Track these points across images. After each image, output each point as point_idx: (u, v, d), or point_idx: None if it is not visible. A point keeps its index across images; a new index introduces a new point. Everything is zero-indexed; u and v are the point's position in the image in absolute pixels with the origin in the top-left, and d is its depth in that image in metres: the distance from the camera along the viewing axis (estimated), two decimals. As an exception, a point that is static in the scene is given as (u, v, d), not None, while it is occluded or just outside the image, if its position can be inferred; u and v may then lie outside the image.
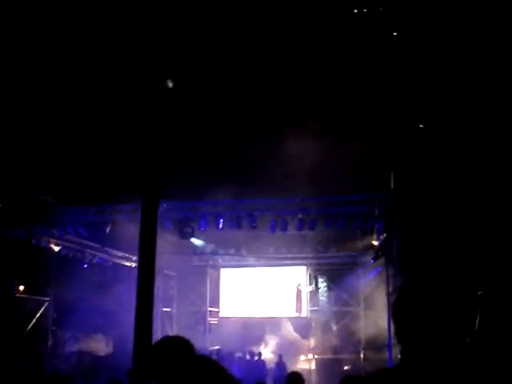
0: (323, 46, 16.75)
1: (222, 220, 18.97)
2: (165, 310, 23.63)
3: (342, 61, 17.35)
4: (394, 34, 15.87)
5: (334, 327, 24.32)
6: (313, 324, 24.49)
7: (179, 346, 3.62)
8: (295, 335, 24.36)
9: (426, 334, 2.27)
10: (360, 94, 18.18)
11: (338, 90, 18.22)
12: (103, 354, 21.42)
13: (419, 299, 2.33)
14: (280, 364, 21.16)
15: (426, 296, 2.33)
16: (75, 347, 20.77)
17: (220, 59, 16.46)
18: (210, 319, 25.30)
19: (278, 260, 24.02)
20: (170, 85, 9.35)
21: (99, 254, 20.86)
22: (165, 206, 17.50)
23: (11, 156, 15.99)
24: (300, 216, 18.75)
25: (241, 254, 23.97)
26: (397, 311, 2.41)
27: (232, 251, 24.14)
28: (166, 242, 20.66)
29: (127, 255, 21.55)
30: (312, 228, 19.31)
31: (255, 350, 22.76)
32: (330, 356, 23.49)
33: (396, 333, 2.40)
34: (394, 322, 2.40)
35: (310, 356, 23.82)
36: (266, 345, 23.84)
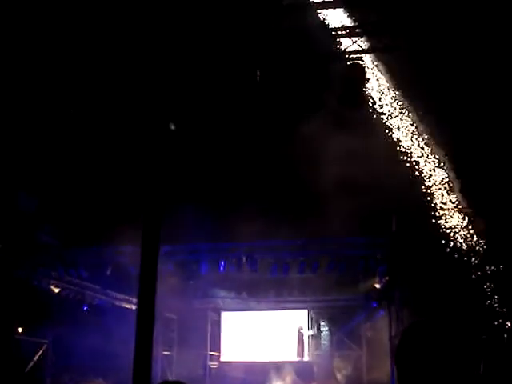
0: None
1: (222, 263, 18.92)
2: (165, 353, 23.37)
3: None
4: None
5: (337, 371, 24.00)
6: (315, 368, 24.17)
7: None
8: (297, 380, 24.02)
9: (428, 380, 2.24)
10: (362, 139, 18.31)
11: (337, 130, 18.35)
12: (102, 398, 21.12)
13: (422, 345, 2.31)
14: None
15: (428, 342, 2.31)
16: (74, 391, 20.49)
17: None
18: (210, 363, 24.99)
19: (280, 303, 23.84)
20: (173, 127, 9.43)
21: (99, 296, 20.73)
22: (166, 248, 17.47)
23: (12, 196, 16.03)
24: (301, 259, 18.68)
25: (242, 297, 23.81)
26: (399, 357, 2.38)
27: (233, 294, 23.99)
28: (166, 284, 20.58)
29: (128, 297, 21.41)
30: (314, 271, 19.22)
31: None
32: (332, 401, 23.15)
33: (398, 379, 2.37)
34: (397, 368, 2.38)
35: (313, 401, 23.47)
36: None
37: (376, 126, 18.15)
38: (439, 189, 19.36)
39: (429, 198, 19.37)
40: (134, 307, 20.79)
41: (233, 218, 19.26)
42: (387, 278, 19.00)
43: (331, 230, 18.46)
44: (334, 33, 10.23)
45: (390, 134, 18.49)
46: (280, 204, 18.86)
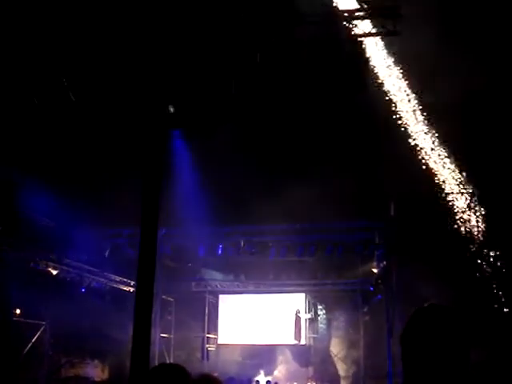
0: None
1: (221, 246, 18.92)
2: (162, 335, 23.45)
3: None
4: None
5: (334, 355, 24.13)
6: (312, 352, 24.28)
7: (175, 373, 3.56)
8: (294, 363, 24.14)
9: (432, 365, 2.24)
10: (359, 123, 18.25)
11: (336, 118, 18.28)
12: (99, 379, 21.21)
13: (430, 329, 2.30)
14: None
15: (436, 326, 2.30)
16: (71, 372, 20.55)
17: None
18: (207, 346, 25.10)
19: (277, 287, 23.90)
20: (172, 110, 9.37)
21: (97, 279, 20.74)
22: (164, 231, 17.47)
23: (9, 177, 15.99)
24: (300, 243, 18.70)
25: (240, 280, 23.86)
26: (406, 340, 2.37)
27: (231, 277, 24.04)
28: (164, 267, 20.63)
29: (125, 280, 21.44)
30: (312, 255, 19.24)
31: (253, 377, 22.54)
32: (328, 384, 23.29)
33: (403, 362, 2.36)
34: (402, 352, 2.37)
35: (309, 384, 23.60)
36: (264, 373, 23.63)
37: (377, 110, 18.08)
38: (440, 172, 19.34)
39: (428, 182, 19.35)
40: (131, 290, 20.84)
41: (231, 202, 19.24)
42: (385, 262, 19.05)
43: (330, 214, 18.45)
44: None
45: (391, 118, 18.45)
46: (278, 188, 18.81)
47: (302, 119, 18.14)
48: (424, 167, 19.39)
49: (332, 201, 17.92)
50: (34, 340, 18.57)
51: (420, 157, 19.26)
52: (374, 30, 10.99)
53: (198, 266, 23.41)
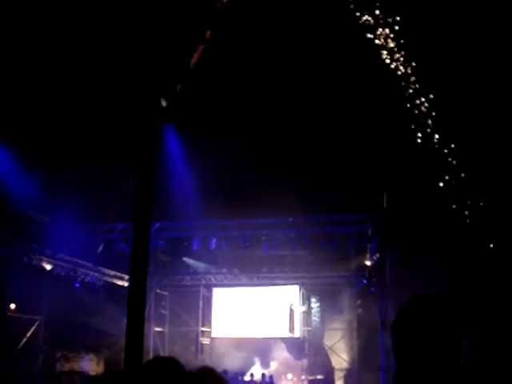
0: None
1: (214, 240, 18.94)
2: (157, 329, 23.49)
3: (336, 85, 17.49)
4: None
5: (327, 347, 24.18)
6: (306, 344, 24.33)
7: (170, 366, 3.59)
8: (288, 355, 24.20)
9: (424, 356, 2.26)
10: (354, 116, 18.28)
11: (332, 109, 18.31)
12: (94, 373, 21.22)
13: (421, 318, 2.32)
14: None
15: (426, 317, 2.32)
16: (66, 367, 20.57)
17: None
18: (202, 339, 25.13)
19: (271, 280, 23.91)
20: (164, 104, 9.32)
21: (91, 273, 20.73)
22: (157, 225, 17.48)
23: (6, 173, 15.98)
24: (293, 236, 18.73)
25: (233, 273, 23.87)
26: (397, 328, 2.39)
27: (224, 270, 24.04)
28: (158, 261, 20.64)
29: (119, 274, 21.44)
30: (305, 248, 19.27)
31: (247, 370, 22.60)
32: (322, 376, 23.33)
33: (394, 353, 2.38)
34: (394, 343, 2.39)
35: (303, 377, 23.65)
36: (259, 365, 23.68)
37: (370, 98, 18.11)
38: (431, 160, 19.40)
39: (420, 173, 19.41)
40: (125, 284, 20.84)
41: (225, 196, 19.25)
42: (378, 255, 19.10)
43: (323, 207, 18.50)
44: None
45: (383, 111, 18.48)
46: (272, 182, 18.84)
47: (295, 113, 18.16)
48: (417, 158, 19.43)
49: (325, 193, 17.97)
50: (28, 335, 18.58)
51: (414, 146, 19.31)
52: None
53: (191, 260, 23.42)
